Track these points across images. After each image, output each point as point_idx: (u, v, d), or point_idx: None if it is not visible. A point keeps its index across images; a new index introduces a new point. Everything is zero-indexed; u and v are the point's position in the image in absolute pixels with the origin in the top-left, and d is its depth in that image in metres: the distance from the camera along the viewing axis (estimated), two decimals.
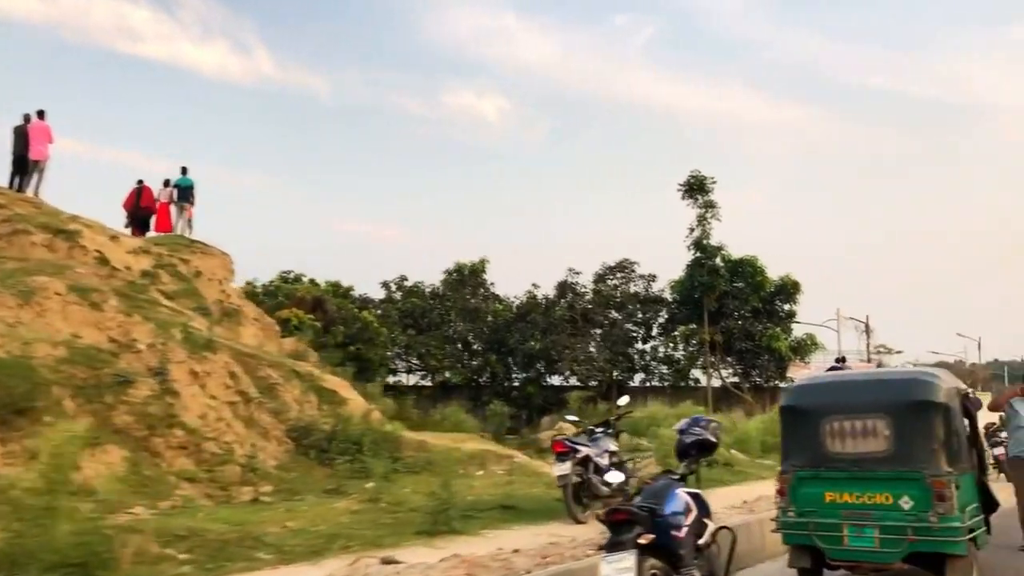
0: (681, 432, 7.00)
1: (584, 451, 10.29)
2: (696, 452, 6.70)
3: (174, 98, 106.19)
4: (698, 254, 30.66)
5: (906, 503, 6.80)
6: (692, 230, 30.79)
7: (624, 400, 12.39)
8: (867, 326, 35.13)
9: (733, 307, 30.53)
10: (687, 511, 5.97)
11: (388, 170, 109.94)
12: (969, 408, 8.09)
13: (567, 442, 10.43)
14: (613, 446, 11.10)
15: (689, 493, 6.16)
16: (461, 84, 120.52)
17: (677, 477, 6.42)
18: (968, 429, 8.11)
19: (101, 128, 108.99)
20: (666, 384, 32.60)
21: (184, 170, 20.97)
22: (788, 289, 31.15)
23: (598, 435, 11.07)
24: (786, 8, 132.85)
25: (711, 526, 6.30)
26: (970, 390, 8.89)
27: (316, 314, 32.16)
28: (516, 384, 32.21)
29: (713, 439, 6.83)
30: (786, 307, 31.57)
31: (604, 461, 10.61)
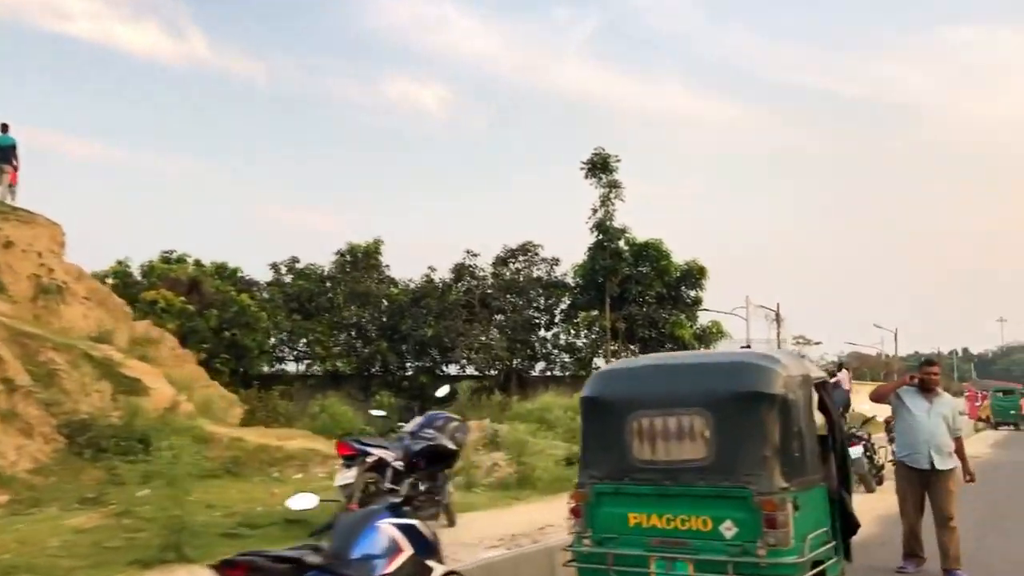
0: (412, 435, 5.15)
1: (378, 454, 8.33)
2: (425, 463, 4.83)
3: (101, 79, 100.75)
4: (600, 236, 29.04)
5: (728, 530, 5.06)
6: (595, 211, 29.19)
7: (443, 391, 10.46)
8: (777, 315, 34.02)
9: (636, 292, 29.02)
10: (392, 553, 4.08)
11: (325, 158, 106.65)
12: (827, 401, 6.40)
13: (355, 443, 8.41)
14: None
15: (400, 526, 4.27)
16: (401, 73, 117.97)
17: (399, 500, 4.54)
18: (827, 428, 6.45)
19: (22, 109, 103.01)
20: (567, 373, 30.95)
21: (4, 127, 18.33)
22: (694, 275, 29.74)
23: (412, 433, 9.15)
24: (723, 5, 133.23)
25: (438, 570, 4.43)
26: (837, 376, 7.23)
27: (191, 296, 29.70)
28: (409, 373, 30.22)
29: (451, 445, 5.00)
30: (692, 293, 30.18)
31: None
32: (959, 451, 7.89)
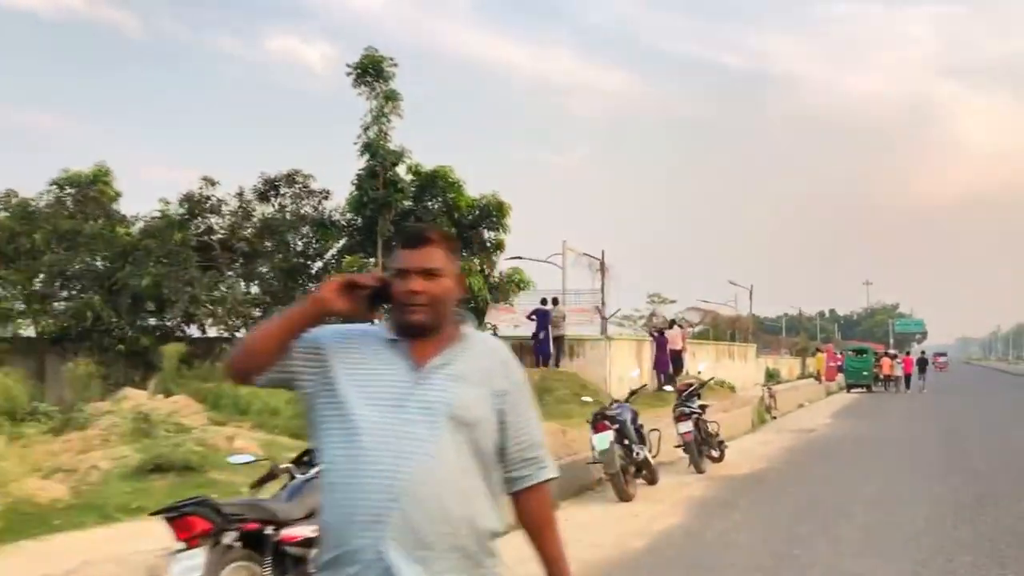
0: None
1: None
2: None
3: None
4: (371, 161, 23.19)
5: None
6: (365, 129, 23.23)
7: None
8: (602, 263, 29.05)
9: None
10: None
11: (199, 113, 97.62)
12: None
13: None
14: None
15: None
16: (284, 28, 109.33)
17: None
18: None
19: None
20: None
21: None
22: (492, 212, 24.25)
23: None
24: None
25: None
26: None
27: None
28: (131, 333, 23.89)
29: None
30: (492, 235, 24.78)
31: None
32: (537, 527, 2.26)
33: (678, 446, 12.99)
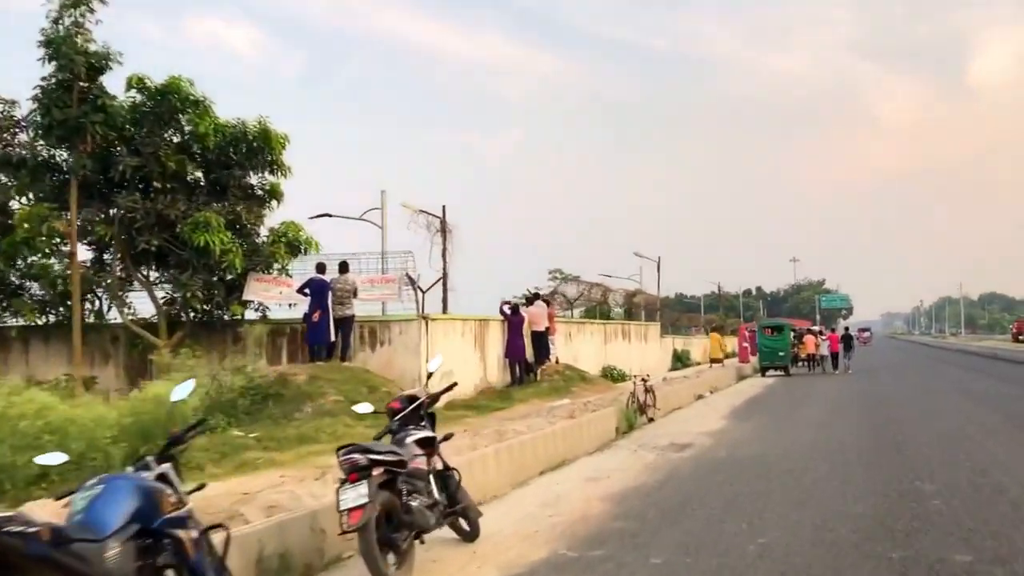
0: None
1: None
2: None
3: None
4: (58, 67, 16.01)
5: None
6: (55, 21, 16.04)
7: None
8: (443, 222, 22.31)
9: (133, 171, 16.24)
10: None
11: None
12: None
13: None
14: None
15: None
16: (206, 10, 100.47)
17: None
18: None
19: None
20: (47, 321, 18.06)
21: None
22: (254, 144, 17.26)
23: None
24: None
25: None
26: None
27: None
28: None
29: None
30: (260, 178, 17.83)
31: None
32: None
33: (346, 532, 6.28)
